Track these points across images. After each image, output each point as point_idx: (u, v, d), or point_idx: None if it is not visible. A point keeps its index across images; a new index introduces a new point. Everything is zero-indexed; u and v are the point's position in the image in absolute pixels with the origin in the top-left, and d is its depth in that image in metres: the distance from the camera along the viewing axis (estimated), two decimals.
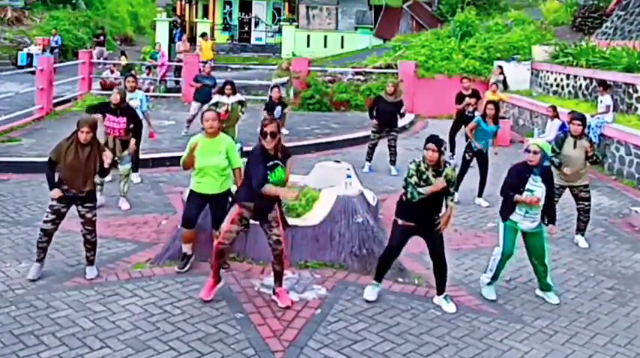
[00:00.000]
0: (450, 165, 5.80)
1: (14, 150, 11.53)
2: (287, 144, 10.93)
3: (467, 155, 9.52)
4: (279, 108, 10.91)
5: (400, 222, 5.86)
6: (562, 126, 10.92)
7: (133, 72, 21.02)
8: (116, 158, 8.63)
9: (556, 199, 7.79)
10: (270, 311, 5.72)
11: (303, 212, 6.99)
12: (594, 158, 7.81)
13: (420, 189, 5.62)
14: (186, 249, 6.59)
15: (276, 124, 5.59)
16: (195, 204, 6.45)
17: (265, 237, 5.85)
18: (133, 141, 8.89)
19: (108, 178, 9.47)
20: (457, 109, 12.11)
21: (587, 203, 7.84)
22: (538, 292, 6.34)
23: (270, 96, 11.25)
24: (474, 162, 9.50)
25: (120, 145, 8.66)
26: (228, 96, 10.98)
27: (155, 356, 4.95)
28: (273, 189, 5.49)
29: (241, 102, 11.08)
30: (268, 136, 5.50)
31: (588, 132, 11.95)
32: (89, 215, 6.27)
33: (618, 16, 18.57)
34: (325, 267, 6.69)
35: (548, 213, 6.17)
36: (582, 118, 7.84)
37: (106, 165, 6.19)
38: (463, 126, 10.91)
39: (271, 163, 5.53)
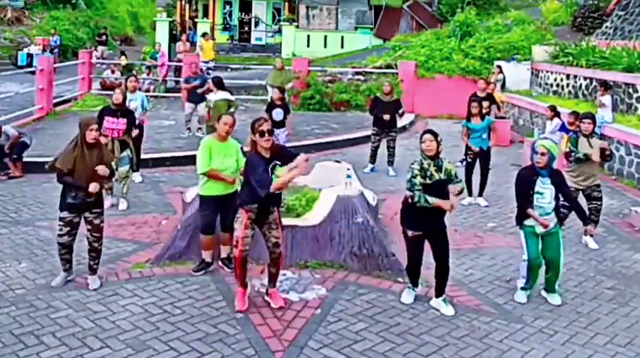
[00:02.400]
0: (445, 159, 5.78)
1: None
2: (287, 144, 10.99)
3: (468, 157, 9.53)
4: (279, 110, 10.85)
5: (410, 233, 5.82)
6: (562, 126, 10.91)
7: (134, 72, 21.09)
8: (115, 160, 8.65)
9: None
10: (270, 311, 5.72)
11: (303, 212, 6.99)
12: (611, 155, 7.83)
13: (429, 199, 5.59)
14: (206, 255, 6.51)
15: (270, 122, 5.55)
16: (211, 208, 6.34)
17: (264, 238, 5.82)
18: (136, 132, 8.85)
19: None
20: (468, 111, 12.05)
21: (599, 202, 7.82)
22: (543, 293, 6.31)
23: (271, 98, 11.26)
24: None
25: (119, 146, 8.65)
26: (215, 92, 11.01)
27: (155, 356, 4.95)
28: (280, 181, 5.34)
29: (228, 101, 11.02)
30: (266, 134, 5.43)
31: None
32: (97, 221, 6.12)
33: (618, 16, 18.57)
34: (325, 267, 6.69)
35: (578, 216, 6.21)
36: (592, 117, 7.86)
37: (101, 173, 5.97)
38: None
39: (271, 165, 5.49)
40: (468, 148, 9.51)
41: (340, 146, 13.28)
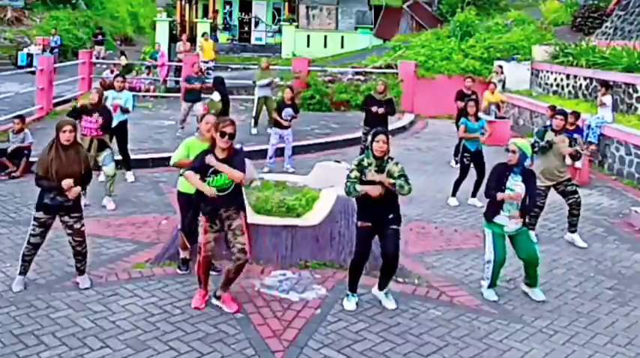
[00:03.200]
0: (392, 159, 5.69)
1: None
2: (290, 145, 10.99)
3: (465, 159, 9.50)
4: (289, 109, 10.88)
5: (359, 224, 5.81)
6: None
7: (134, 72, 21.10)
8: (98, 162, 8.64)
9: (542, 201, 7.80)
10: (270, 311, 5.72)
11: (303, 212, 6.99)
12: (578, 155, 7.83)
13: (357, 187, 5.59)
14: (185, 254, 6.56)
15: (234, 127, 5.53)
16: (188, 206, 6.34)
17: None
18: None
19: (101, 178, 9.49)
20: (457, 107, 12.09)
21: (576, 196, 7.84)
22: (523, 287, 6.35)
23: (283, 97, 11.27)
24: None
25: (97, 145, 8.64)
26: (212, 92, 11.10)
27: (155, 356, 4.95)
28: (192, 177, 5.42)
29: (213, 102, 11.06)
30: (226, 137, 5.44)
31: (587, 133, 11.98)
32: (77, 225, 6.03)
33: (618, 16, 18.57)
34: (325, 267, 6.69)
35: (527, 208, 6.16)
36: (565, 113, 7.98)
37: (71, 197, 5.84)
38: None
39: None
40: (464, 149, 9.49)
41: (340, 146, 13.28)
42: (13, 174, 10.14)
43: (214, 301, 5.79)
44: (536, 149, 7.76)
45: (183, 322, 5.48)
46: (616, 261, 7.39)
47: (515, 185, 6.06)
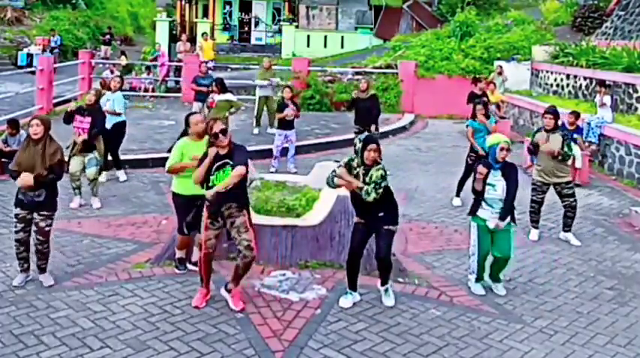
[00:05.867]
0: (379, 164, 5.68)
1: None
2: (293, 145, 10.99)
3: (469, 159, 9.50)
4: (289, 108, 10.89)
5: (355, 219, 5.91)
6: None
7: (134, 72, 21.10)
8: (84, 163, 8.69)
9: (540, 197, 7.84)
10: (270, 311, 5.72)
11: (303, 212, 6.99)
12: (561, 156, 7.74)
13: (335, 180, 5.70)
14: (182, 254, 6.57)
15: (222, 122, 5.61)
16: (182, 207, 6.38)
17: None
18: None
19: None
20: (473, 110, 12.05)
21: (572, 199, 7.88)
22: (486, 278, 6.42)
23: (283, 97, 11.27)
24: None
25: (85, 145, 8.71)
26: (218, 93, 11.11)
27: (155, 356, 4.95)
28: (214, 189, 5.43)
29: (229, 101, 11.07)
30: (220, 135, 5.49)
31: (588, 132, 11.98)
32: (42, 224, 5.99)
33: (618, 16, 18.57)
34: (325, 267, 6.69)
35: (504, 207, 6.18)
36: (555, 112, 7.93)
37: (19, 184, 5.82)
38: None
39: (220, 163, 5.51)
40: (471, 149, 9.49)
41: (340, 146, 13.25)
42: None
43: (223, 292, 5.81)
44: (529, 151, 7.85)
45: (183, 322, 5.48)
46: (616, 261, 7.39)
47: (496, 180, 6.18)
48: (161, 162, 11.24)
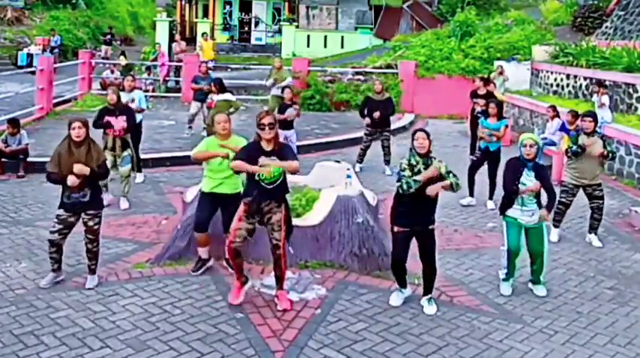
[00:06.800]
0: (435, 158, 5.77)
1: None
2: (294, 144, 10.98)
3: (474, 156, 9.49)
4: (290, 109, 10.88)
5: (396, 229, 5.82)
6: (562, 126, 10.90)
7: (132, 72, 21.08)
8: (118, 159, 8.74)
9: (569, 199, 7.85)
10: (270, 311, 5.72)
11: (303, 212, 6.99)
12: (610, 155, 7.78)
13: (415, 178, 5.60)
14: (202, 252, 6.52)
15: (273, 116, 5.62)
16: (205, 204, 6.38)
17: (266, 238, 5.81)
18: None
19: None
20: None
21: (601, 201, 7.87)
22: (529, 285, 6.44)
23: (283, 98, 11.24)
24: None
25: (120, 144, 8.69)
26: (217, 94, 11.11)
27: (155, 356, 4.95)
28: (257, 168, 5.40)
29: (229, 101, 11.07)
30: (266, 128, 5.49)
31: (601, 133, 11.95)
32: (91, 223, 6.07)
33: (618, 16, 18.57)
34: (325, 267, 6.69)
35: (550, 199, 6.23)
36: (593, 115, 7.91)
37: (76, 171, 5.81)
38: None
39: (266, 158, 5.49)
40: (473, 147, 9.46)
41: (340, 146, 13.27)
42: (19, 174, 10.17)
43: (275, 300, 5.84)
44: (569, 153, 7.74)
45: (183, 322, 5.48)
46: (616, 260, 7.39)
47: (529, 180, 6.14)
48: (161, 162, 11.31)
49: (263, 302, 5.88)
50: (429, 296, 5.96)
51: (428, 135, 5.79)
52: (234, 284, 5.90)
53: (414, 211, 5.69)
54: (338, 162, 8.66)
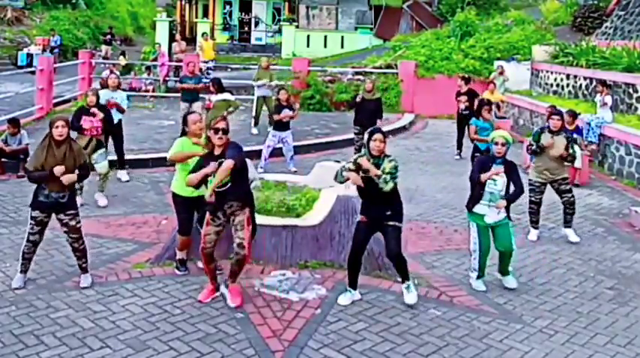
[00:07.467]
0: (389, 157, 5.75)
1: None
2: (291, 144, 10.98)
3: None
4: (286, 110, 10.85)
5: (359, 218, 5.92)
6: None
7: (133, 72, 21.09)
8: (92, 160, 8.60)
9: (538, 197, 7.86)
10: (270, 311, 5.73)
11: (303, 212, 6.99)
12: (569, 158, 7.80)
13: (344, 173, 5.67)
14: (183, 255, 6.57)
15: (227, 122, 5.63)
16: (183, 208, 6.40)
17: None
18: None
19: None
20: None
21: (569, 194, 7.93)
22: (497, 274, 6.50)
23: (279, 99, 11.24)
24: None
25: (94, 144, 8.69)
26: (216, 94, 11.09)
27: (155, 356, 4.95)
28: (210, 190, 5.42)
29: (227, 101, 11.05)
30: (220, 132, 5.51)
31: (588, 132, 11.98)
32: (72, 222, 6.04)
33: (618, 16, 18.57)
34: (325, 267, 6.69)
35: (514, 193, 6.26)
36: (560, 113, 8.01)
37: (57, 173, 5.78)
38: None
39: (218, 161, 5.49)
40: (475, 149, 9.48)
41: (340, 146, 13.26)
42: (19, 174, 10.18)
43: (222, 288, 5.91)
44: (529, 151, 7.85)
45: (183, 322, 5.48)
46: (616, 261, 7.39)
47: (497, 176, 6.21)
48: (161, 162, 11.27)
49: (263, 302, 5.88)
50: (407, 283, 5.96)
51: (385, 137, 5.77)
52: (207, 285, 5.96)
53: (368, 202, 5.78)
54: (338, 162, 8.66)
